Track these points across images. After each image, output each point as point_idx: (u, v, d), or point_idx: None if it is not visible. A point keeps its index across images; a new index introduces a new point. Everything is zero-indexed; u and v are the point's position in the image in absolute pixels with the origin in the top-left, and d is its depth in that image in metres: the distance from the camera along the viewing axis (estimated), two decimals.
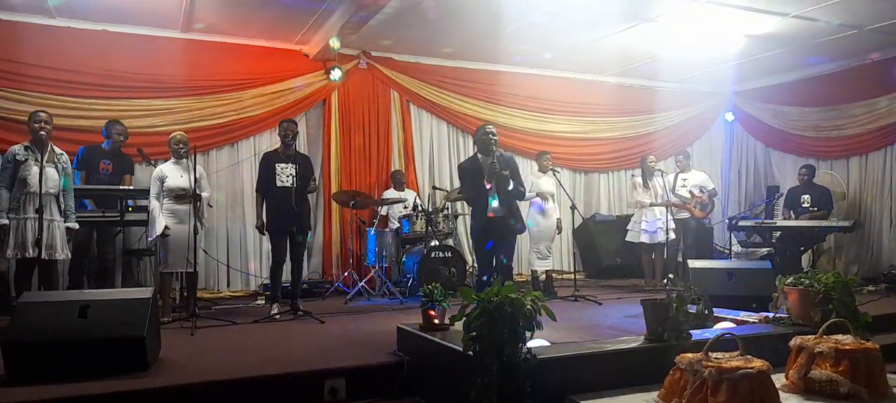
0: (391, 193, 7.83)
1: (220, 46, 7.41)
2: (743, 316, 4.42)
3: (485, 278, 5.08)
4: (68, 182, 5.15)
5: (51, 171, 4.93)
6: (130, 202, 5.93)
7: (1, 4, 6.31)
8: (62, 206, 5.06)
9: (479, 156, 5.27)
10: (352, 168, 7.98)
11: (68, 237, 5.15)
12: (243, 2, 6.44)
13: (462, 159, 8.70)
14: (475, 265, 7.93)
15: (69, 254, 5.18)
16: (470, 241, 7.86)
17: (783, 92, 9.57)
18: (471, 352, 2.90)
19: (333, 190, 7.85)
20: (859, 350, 2.78)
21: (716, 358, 2.59)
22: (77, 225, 5.25)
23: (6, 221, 4.82)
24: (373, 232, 7.23)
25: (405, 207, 7.53)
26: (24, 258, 4.83)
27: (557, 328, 3.63)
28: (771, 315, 4.15)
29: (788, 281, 4.04)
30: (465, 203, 7.65)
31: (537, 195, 7.23)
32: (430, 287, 3.87)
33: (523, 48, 8.01)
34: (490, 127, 5.37)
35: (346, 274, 7.33)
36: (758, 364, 2.54)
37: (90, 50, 6.79)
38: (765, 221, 8.29)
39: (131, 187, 6.12)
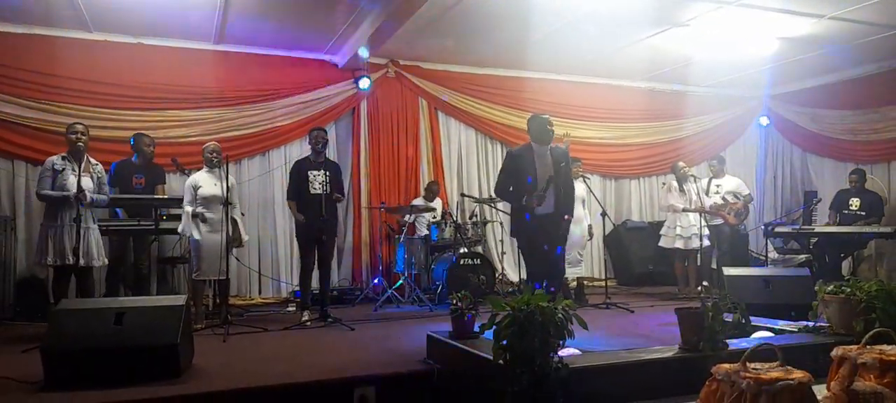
0: (420, 202, 7.83)
1: (252, 57, 7.53)
2: (781, 325, 4.31)
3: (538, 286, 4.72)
4: (104, 191, 5.26)
5: (87, 181, 5.05)
6: (164, 211, 6.03)
7: (41, 20, 6.50)
8: (96, 214, 5.17)
9: (534, 145, 4.97)
10: (381, 176, 8.01)
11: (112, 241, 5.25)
12: (274, 13, 6.52)
13: (490, 166, 8.72)
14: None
15: (106, 261, 5.28)
16: (499, 247, 7.84)
17: (820, 95, 9.35)
18: (501, 361, 2.87)
19: (363, 198, 7.90)
20: None
21: (754, 369, 2.52)
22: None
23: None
24: (402, 240, 7.24)
25: (434, 217, 7.52)
26: (62, 265, 4.94)
27: (589, 337, 3.58)
28: (810, 324, 4.03)
29: (829, 288, 3.92)
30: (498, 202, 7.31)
31: None
32: (459, 294, 3.85)
33: (552, 54, 7.96)
34: (547, 116, 5.07)
35: (375, 281, 7.35)
36: (798, 375, 2.45)
37: (125, 62, 6.96)
38: (802, 227, 8.08)
39: (166, 196, 6.22)
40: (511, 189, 4.92)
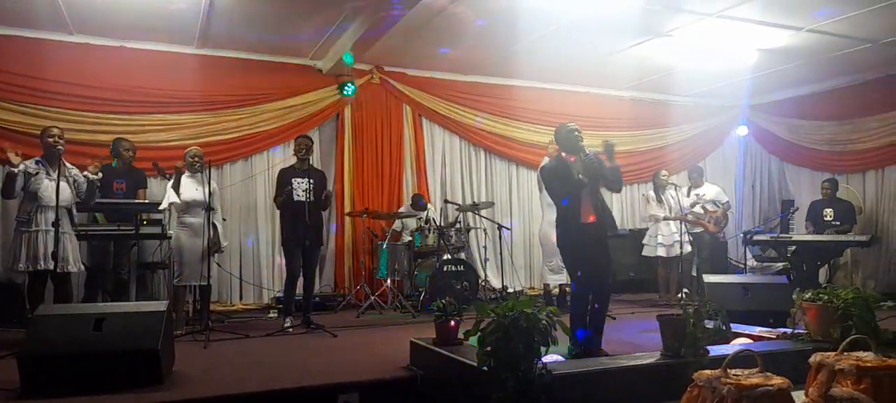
0: (407, 209, 7.83)
1: (235, 62, 7.48)
2: (760, 331, 4.37)
3: (586, 291, 4.38)
4: (80, 193, 5.19)
5: (63, 185, 4.97)
6: (144, 216, 5.95)
7: (21, 21, 6.41)
8: (75, 218, 5.09)
9: (564, 156, 4.67)
10: (364, 182, 8.00)
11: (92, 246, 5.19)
12: (258, 18, 6.50)
13: (473, 173, 8.74)
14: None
15: (82, 267, 5.20)
16: (483, 253, 7.86)
17: (798, 105, 9.51)
18: (485, 367, 2.88)
19: (346, 203, 7.88)
20: (882, 368, 2.73)
21: (735, 375, 2.56)
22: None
23: None
24: (385, 246, 7.23)
25: (419, 222, 7.52)
26: (36, 271, 4.86)
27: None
28: (789, 331, 4.10)
29: (807, 296, 3.99)
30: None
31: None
32: (443, 301, 3.86)
33: (536, 62, 8.02)
34: (573, 123, 4.77)
35: (358, 287, 7.33)
36: (778, 381, 2.50)
37: (107, 65, 6.88)
38: (780, 235, 8.21)
39: (146, 201, 6.16)
40: (566, 201, 4.56)
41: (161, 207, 5.55)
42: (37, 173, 4.92)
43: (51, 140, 4.96)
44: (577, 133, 4.65)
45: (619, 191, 5.00)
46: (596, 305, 4.43)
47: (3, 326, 5.85)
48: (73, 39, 6.77)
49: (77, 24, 6.51)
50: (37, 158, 5.02)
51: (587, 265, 4.44)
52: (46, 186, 4.86)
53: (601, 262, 4.46)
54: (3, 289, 6.20)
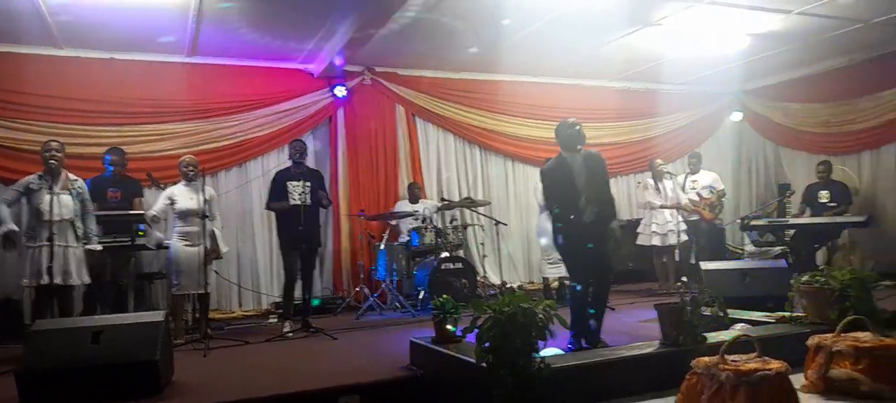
0: (404, 205, 7.82)
1: (226, 69, 7.47)
2: (758, 316, 4.37)
3: (580, 288, 4.45)
4: (87, 205, 5.19)
5: (65, 198, 4.98)
6: (142, 226, 5.95)
7: (9, 37, 6.39)
8: (79, 232, 5.09)
9: (564, 154, 4.61)
10: (360, 183, 7.99)
11: (90, 259, 5.20)
12: (247, 24, 6.47)
13: (469, 170, 8.74)
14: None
15: (87, 280, 5.19)
16: (481, 250, 7.86)
17: (791, 89, 9.51)
18: (484, 364, 2.88)
19: (342, 206, 7.87)
20: (879, 348, 2.74)
21: (733, 361, 2.56)
22: (100, 247, 5.29)
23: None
24: (383, 247, 7.22)
25: (415, 219, 7.51)
26: (39, 285, 4.85)
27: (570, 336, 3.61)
28: (786, 314, 4.10)
29: (804, 279, 3.99)
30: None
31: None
32: (441, 300, 3.86)
33: (527, 57, 8.01)
34: (573, 119, 4.68)
35: (357, 289, 7.32)
36: (776, 365, 2.50)
37: (98, 78, 6.86)
38: (777, 219, 8.21)
39: (142, 211, 6.14)
40: (556, 210, 4.58)
41: (150, 213, 5.53)
42: (39, 189, 4.92)
43: (47, 154, 4.97)
44: (577, 128, 4.56)
45: (613, 207, 4.77)
46: (597, 298, 4.45)
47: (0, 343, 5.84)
48: (62, 53, 6.75)
49: (65, 37, 6.49)
50: (39, 174, 5.01)
51: (586, 264, 4.43)
52: (47, 201, 4.86)
53: (600, 260, 4.46)
54: (1, 306, 6.19)
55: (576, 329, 4.30)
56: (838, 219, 7.74)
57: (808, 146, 9.42)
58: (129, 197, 6.20)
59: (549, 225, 7.01)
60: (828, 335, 2.94)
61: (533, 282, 8.72)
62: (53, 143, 5.07)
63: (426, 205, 7.78)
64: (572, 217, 4.41)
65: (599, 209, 4.48)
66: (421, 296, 6.97)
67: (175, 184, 5.81)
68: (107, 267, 6.07)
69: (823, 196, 8.07)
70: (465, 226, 8.07)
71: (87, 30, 6.32)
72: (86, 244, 5.15)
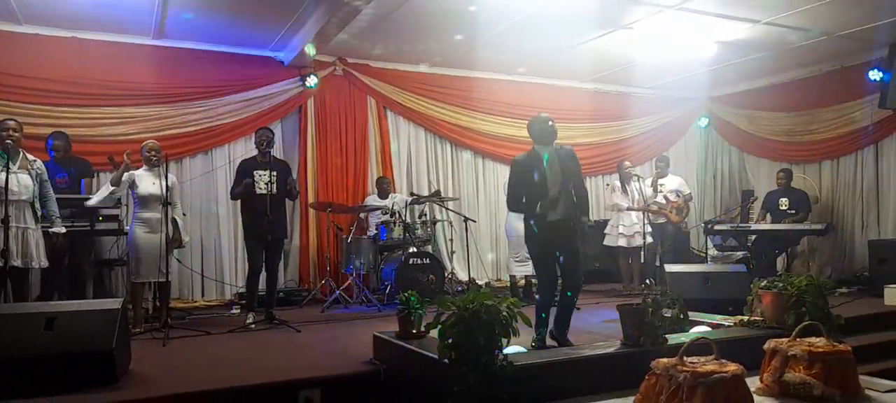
0: (374, 199, 7.78)
1: (193, 53, 7.32)
2: (718, 319, 4.45)
3: (549, 294, 4.46)
4: (46, 187, 5.04)
5: (24, 177, 4.83)
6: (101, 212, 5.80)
7: None
8: (38, 213, 4.94)
9: (536, 148, 4.56)
10: (328, 175, 7.91)
11: (55, 242, 5.07)
12: (216, 8, 6.36)
13: (439, 165, 8.72)
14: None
15: (45, 263, 5.04)
16: (449, 246, 7.84)
17: (756, 97, 9.70)
18: (447, 360, 2.87)
19: (310, 197, 7.79)
20: (832, 353, 2.80)
21: (691, 363, 2.59)
22: (63, 230, 5.16)
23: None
24: (350, 240, 7.17)
25: (384, 213, 7.47)
26: None
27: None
28: (745, 318, 4.18)
29: (762, 284, 4.07)
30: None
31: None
32: (406, 294, 3.84)
33: (499, 55, 8.03)
34: (546, 114, 4.63)
35: (323, 282, 7.26)
36: (732, 367, 2.54)
37: (59, 57, 6.66)
38: (740, 225, 8.38)
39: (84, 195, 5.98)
40: (524, 200, 4.53)
41: (89, 204, 5.40)
42: None
43: (4, 133, 4.81)
44: (550, 124, 4.55)
45: (586, 203, 4.73)
46: (566, 296, 4.45)
47: None
48: (22, 30, 6.54)
49: (26, 13, 6.30)
50: None
51: (552, 262, 4.44)
52: (2, 179, 4.69)
53: (569, 258, 4.45)
54: None
55: (541, 325, 4.32)
56: (798, 227, 7.94)
57: (771, 153, 9.63)
58: (78, 178, 6.03)
59: (518, 224, 7.14)
60: (784, 339, 2.99)
61: (501, 280, 8.75)
62: (10, 122, 4.91)
63: (395, 200, 7.75)
64: (539, 211, 4.39)
65: (570, 205, 4.45)
66: (387, 291, 6.94)
67: (137, 169, 5.67)
68: (66, 252, 5.92)
69: (783, 203, 8.26)
70: (433, 222, 8.05)
71: (50, 6, 6.13)
72: (50, 227, 5.01)
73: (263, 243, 5.73)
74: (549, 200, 4.39)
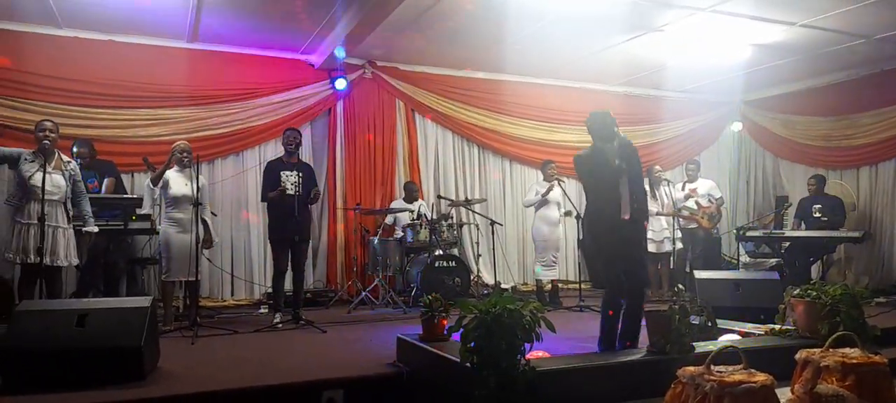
0: (401, 204, 7.80)
1: (226, 56, 7.44)
2: (748, 328, 4.35)
3: (620, 299, 4.04)
4: (79, 187, 5.15)
5: (57, 178, 4.94)
6: (134, 211, 5.92)
7: (8, 15, 6.36)
8: (71, 213, 5.06)
9: (598, 145, 4.27)
10: (357, 177, 7.96)
11: (87, 241, 5.17)
12: (248, 12, 6.45)
13: (466, 168, 8.70)
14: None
15: (76, 261, 5.16)
16: (475, 249, 7.81)
17: (792, 101, 9.49)
18: (468, 364, 2.86)
19: (339, 199, 7.85)
20: (866, 365, 2.72)
21: (718, 372, 2.53)
22: (96, 229, 5.25)
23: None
24: (377, 242, 7.20)
25: (412, 217, 7.48)
26: (25, 264, 4.82)
27: (560, 339, 3.58)
28: (776, 327, 4.08)
29: (795, 292, 3.97)
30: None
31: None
32: (430, 297, 3.83)
33: (528, 58, 7.98)
34: (607, 110, 4.38)
35: (349, 283, 7.30)
36: (761, 378, 2.48)
37: (96, 60, 6.83)
38: (773, 231, 8.19)
39: (127, 196, 6.09)
40: (591, 199, 4.27)
41: (144, 210, 5.52)
42: (32, 161, 4.88)
43: (41, 134, 4.93)
44: (612, 118, 4.28)
45: (644, 200, 4.37)
46: (631, 306, 4.02)
47: None
48: (62, 33, 6.73)
49: (65, 17, 6.47)
50: (33, 151, 4.97)
51: (621, 267, 4.06)
52: (38, 179, 4.81)
53: (636, 263, 4.12)
54: None
55: (605, 334, 3.99)
56: (834, 234, 7.72)
57: (807, 159, 9.40)
58: (102, 181, 6.15)
59: (545, 228, 7.09)
60: (816, 349, 2.91)
61: (527, 283, 8.70)
62: (47, 123, 5.03)
63: (422, 205, 7.76)
64: (610, 212, 4.06)
65: (637, 205, 4.13)
66: (413, 293, 6.95)
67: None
68: (103, 251, 6.05)
69: (816, 209, 8.05)
70: (460, 225, 8.04)
71: (88, 10, 6.29)
72: (83, 226, 5.12)
73: (289, 243, 5.79)
74: (617, 197, 4.08)
